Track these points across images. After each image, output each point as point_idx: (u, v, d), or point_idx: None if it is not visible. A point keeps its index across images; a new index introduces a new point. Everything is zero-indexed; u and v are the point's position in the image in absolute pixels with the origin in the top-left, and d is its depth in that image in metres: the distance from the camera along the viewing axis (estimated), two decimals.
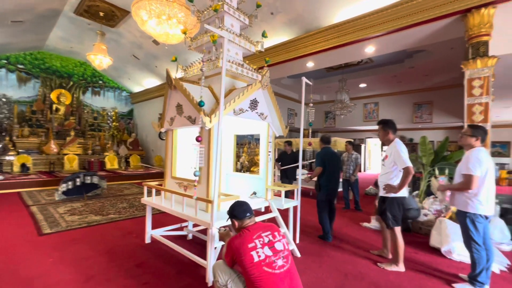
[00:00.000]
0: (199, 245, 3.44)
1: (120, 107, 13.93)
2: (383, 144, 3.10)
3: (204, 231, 3.53)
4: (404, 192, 2.87)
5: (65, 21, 8.41)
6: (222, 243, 2.35)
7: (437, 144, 11.97)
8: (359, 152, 13.89)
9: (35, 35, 9.26)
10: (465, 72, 4.19)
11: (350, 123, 13.33)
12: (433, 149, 5.09)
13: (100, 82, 13.18)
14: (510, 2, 3.97)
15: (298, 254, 3.14)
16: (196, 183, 2.42)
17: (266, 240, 1.71)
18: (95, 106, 13.02)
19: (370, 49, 6.01)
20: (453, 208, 3.79)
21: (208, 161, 2.72)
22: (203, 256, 2.68)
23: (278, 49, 6.80)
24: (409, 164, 2.72)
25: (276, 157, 6.37)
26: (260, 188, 3.48)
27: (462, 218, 2.50)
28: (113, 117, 12.90)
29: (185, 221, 3.78)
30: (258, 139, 3.68)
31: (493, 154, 12.13)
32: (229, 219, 1.95)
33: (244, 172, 3.90)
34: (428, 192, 4.91)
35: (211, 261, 2.38)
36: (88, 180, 5.97)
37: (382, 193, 2.97)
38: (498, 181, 10.95)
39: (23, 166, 8.84)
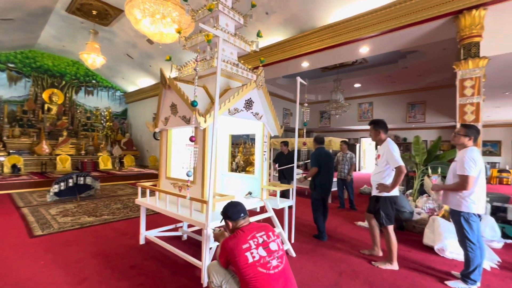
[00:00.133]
0: (194, 246, 3.42)
1: (114, 107, 13.78)
2: (377, 144, 3.13)
3: (199, 232, 3.51)
4: (396, 191, 2.91)
5: (57, 19, 8.28)
6: (217, 243, 2.34)
7: (430, 143, 12.13)
8: (354, 152, 14.01)
9: (26, 33, 9.09)
10: (457, 72, 4.26)
11: (345, 123, 13.43)
12: (426, 149, 5.16)
13: (94, 81, 13.02)
14: (500, 4, 4.04)
15: (293, 254, 3.14)
16: (189, 184, 2.40)
17: (261, 240, 1.71)
18: (89, 106, 12.85)
19: (364, 50, 6.06)
20: (446, 207, 3.85)
21: (203, 161, 2.71)
22: (198, 256, 2.67)
23: (273, 49, 6.81)
24: (401, 163, 2.76)
25: (273, 157, 6.37)
26: (255, 188, 3.47)
27: (457, 217, 2.53)
28: (107, 117, 12.75)
29: (180, 221, 3.75)
30: (254, 139, 3.67)
31: (484, 153, 12.37)
32: (223, 220, 1.94)
33: (239, 172, 3.90)
34: (422, 191, 4.98)
35: (206, 261, 2.37)
36: (81, 181, 5.88)
37: (375, 192, 2.99)
38: (489, 180, 11.18)
39: (14, 167, 8.68)
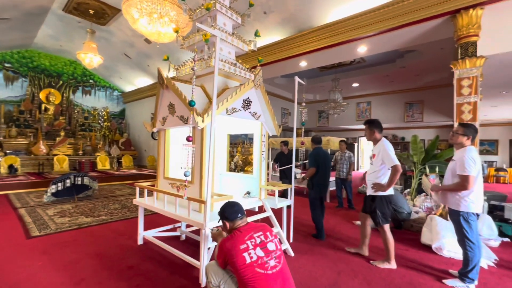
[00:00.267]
0: (192, 246, 3.41)
1: (112, 107, 13.72)
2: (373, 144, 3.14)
3: (198, 232, 3.51)
4: (391, 190, 2.92)
5: (54, 18, 8.22)
6: (216, 243, 2.33)
7: (428, 142, 12.19)
8: (352, 151, 14.05)
9: (22, 33, 9.02)
10: (455, 72, 4.27)
11: (343, 122, 13.45)
12: (424, 148, 5.19)
13: (91, 81, 12.95)
14: (497, 3, 4.06)
15: (292, 253, 3.14)
16: (187, 183, 2.39)
17: (258, 241, 1.71)
18: (86, 106, 12.78)
19: (362, 49, 6.07)
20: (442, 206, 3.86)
21: (201, 161, 2.70)
22: (197, 256, 2.66)
23: (271, 48, 6.80)
24: (397, 162, 2.77)
25: (274, 157, 6.36)
26: (253, 188, 3.47)
27: (456, 217, 2.52)
28: (105, 117, 12.69)
29: (178, 221, 3.74)
30: (252, 139, 3.67)
31: (482, 152, 12.45)
32: (221, 220, 1.93)
33: (238, 171, 3.89)
34: (419, 190, 5.00)
35: (204, 261, 2.37)
36: (78, 181, 5.86)
37: (370, 191, 2.99)
38: (486, 179, 11.25)
39: (11, 167, 8.62)
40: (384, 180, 2.88)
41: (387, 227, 2.91)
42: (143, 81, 11.95)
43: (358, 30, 5.39)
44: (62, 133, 10.55)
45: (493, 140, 12.58)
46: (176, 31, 3.14)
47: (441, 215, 3.81)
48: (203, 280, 2.39)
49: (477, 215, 2.51)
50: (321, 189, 3.87)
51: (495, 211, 4.10)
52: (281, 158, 5.97)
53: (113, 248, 3.30)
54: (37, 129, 10.32)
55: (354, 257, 3.15)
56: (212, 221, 2.39)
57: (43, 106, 11.00)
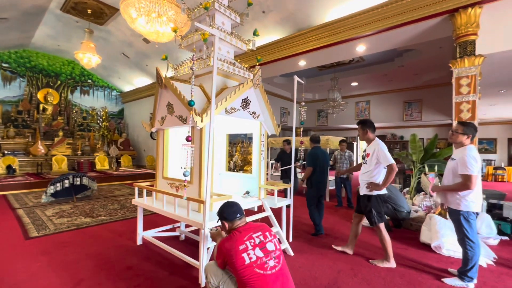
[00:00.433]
0: (192, 246, 3.40)
1: (110, 107, 13.67)
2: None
3: (197, 232, 3.50)
4: (384, 189, 2.93)
5: (52, 18, 8.18)
6: (215, 243, 2.33)
7: (427, 141, 12.22)
8: (352, 150, 14.05)
9: (20, 33, 8.97)
10: (453, 70, 4.27)
11: (342, 122, 13.45)
12: (423, 147, 5.19)
13: (89, 81, 12.90)
14: (495, 2, 4.06)
15: (291, 253, 3.14)
16: (186, 183, 2.38)
17: (257, 241, 1.70)
18: (84, 106, 12.74)
19: (361, 48, 6.07)
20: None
21: (200, 160, 2.69)
22: (196, 257, 2.66)
23: (270, 47, 6.79)
24: (393, 161, 2.79)
25: (276, 156, 6.35)
26: (253, 187, 3.46)
27: (456, 216, 2.52)
28: (103, 117, 12.64)
29: (177, 221, 3.73)
30: (251, 138, 3.66)
31: (480, 151, 12.48)
32: (219, 221, 1.93)
33: (237, 171, 3.89)
34: (418, 189, 5.01)
35: (203, 261, 2.36)
36: (77, 181, 5.84)
37: (365, 191, 2.98)
38: (485, 177, 11.29)
39: (9, 168, 8.59)
40: (379, 179, 2.89)
41: (382, 226, 2.93)
42: (141, 81, 11.92)
43: (356, 29, 5.38)
44: (61, 133, 10.51)
45: (492, 138, 12.62)
46: (175, 31, 3.13)
47: (440, 214, 3.81)
48: (202, 280, 2.39)
49: (477, 213, 2.51)
50: (319, 188, 3.93)
51: (493, 210, 4.11)
52: (283, 158, 5.98)
53: (112, 248, 3.29)
54: (35, 129, 10.28)
55: (354, 256, 3.15)
56: (211, 221, 2.38)
57: (41, 106, 10.96)
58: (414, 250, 3.36)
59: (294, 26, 6.17)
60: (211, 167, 2.40)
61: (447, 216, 3.46)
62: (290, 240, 3.57)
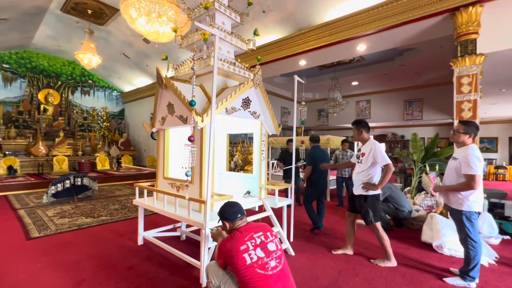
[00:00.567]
0: (193, 246, 3.40)
1: (111, 107, 13.68)
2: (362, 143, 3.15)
3: (198, 231, 3.50)
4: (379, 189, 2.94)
5: (52, 18, 8.18)
6: (216, 243, 2.33)
7: (428, 140, 12.20)
8: (353, 150, 14.02)
9: (20, 33, 8.98)
10: (454, 69, 4.26)
11: (343, 121, 13.43)
12: (424, 146, 5.18)
13: (90, 81, 12.91)
14: (496, 0, 4.04)
15: (292, 252, 3.14)
16: (188, 183, 2.38)
17: (258, 241, 1.70)
18: (85, 106, 12.75)
19: (361, 47, 6.06)
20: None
21: (200, 160, 2.69)
22: (197, 257, 2.66)
23: (270, 47, 6.78)
24: (390, 161, 2.80)
25: (278, 156, 6.36)
26: (254, 187, 3.46)
27: (458, 216, 2.50)
28: (104, 117, 12.66)
29: (178, 221, 3.73)
30: (252, 138, 3.66)
31: (481, 150, 12.39)
32: (220, 221, 1.92)
33: (238, 171, 3.89)
34: (420, 188, 5.00)
35: (204, 262, 2.36)
36: (78, 181, 5.84)
37: (360, 191, 2.96)
38: (486, 176, 11.26)
39: (10, 168, 8.60)
40: (375, 179, 2.89)
41: (379, 225, 2.93)
42: (142, 81, 11.93)
43: (357, 28, 5.37)
44: (61, 134, 10.53)
45: (493, 137, 12.58)
46: (175, 31, 3.13)
47: (441, 213, 3.81)
48: (203, 281, 2.39)
49: (479, 213, 2.50)
50: (319, 187, 3.98)
51: (495, 209, 4.10)
52: (286, 157, 5.96)
53: (113, 248, 3.29)
54: (36, 130, 10.30)
55: (355, 256, 3.14)
56: (212, 221, 2.38)
57: (42, 106, 10.97)
58: (415, 249, 3.35)
59: (294, 26, 6.17)
60: (211, 167, 2.40)
61: (449, 216, 3.45)
62: (291, 240, 3.56)
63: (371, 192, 2.90)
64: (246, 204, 2.97)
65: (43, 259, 2.96)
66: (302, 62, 7.14)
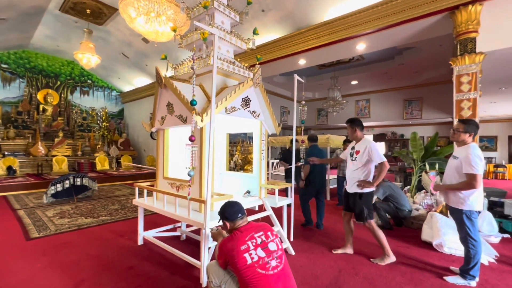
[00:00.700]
0: (193, 246, 3.40)
1: (110, 107, 13.65)
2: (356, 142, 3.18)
3: (198, 231, 3.50)
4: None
5: (51, 18, 8.16)
6: (216, 243, 2.33)
7: (427, 139, 12.21)
8: None
9: (19, 33, 8.95)
10: (454, 68, 4.26)
11: (343, 120, 13.35)
12: (424, 145, 5.18)
13: (89, 81, 12.87)
14: None
15: (293, 252, 3.14)
16: (190, 183, 2.38)
17: (259, 241, 1.69)
18: (84, 106, 12.71)
19: (361, 46, 6.05)
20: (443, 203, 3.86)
21: (200, 160, 2.69)
22: (197, 256, 2.65)
23: (270, 46, 6.77)
24: (385, 159, 2.83)
25: (280, 156, 6.37)
26: (253, 187, 3.46)
27: (459, 215, 2.50)
28: (103, 117, 12.62)
29: (178, 221, 3.73)
30: (252, 138, 3.65)
31: (481, 148, 12.38)
32: (221, 220, 1.92)
33: (237, 170, 3.88)
34: (419, 187, 5.00)
35: (205, 261, 2.36)
36: (78, 182, 5.84)
37: (355, 189, 2.96)
38: (485, 175, 11.27)
39: (9, 169, 8.58)
40: (371, 177, 2.92)
41: (373, 222, 2.96)
42: (141, 80, 11.90)
43: (356, 27, 5.37)
44: (61, 134, 10.50)
45: (492, 136, 12.60)
46: (174, 30, 3.12)
47: (441, 212, 3.81)
48: (204, 280, 2.38)
49: (478, 212, 2.50)
50: (317, 186, 4.07)
51: (495, 208, 4.11)
52: (288, 157, 5.95)
53: (113, 248, 3.29)
54: (35, 130, 10.27)
55: (355, 255, 3.14)
56: (212, 221, 2.38)
57: (41, 107, 10.93)
58: (415, 248, 3.36)
59: (293, 25, 6.16)
60: (211, 166, 2.39)
61: (449, 214, 3.45)
62: (291, 239, 3.56)
63: (365, 190, 2.91)
64: (246, 204, 2.97)
65: (43, 259, 2.95)
66: (302, 61, 7.13)
